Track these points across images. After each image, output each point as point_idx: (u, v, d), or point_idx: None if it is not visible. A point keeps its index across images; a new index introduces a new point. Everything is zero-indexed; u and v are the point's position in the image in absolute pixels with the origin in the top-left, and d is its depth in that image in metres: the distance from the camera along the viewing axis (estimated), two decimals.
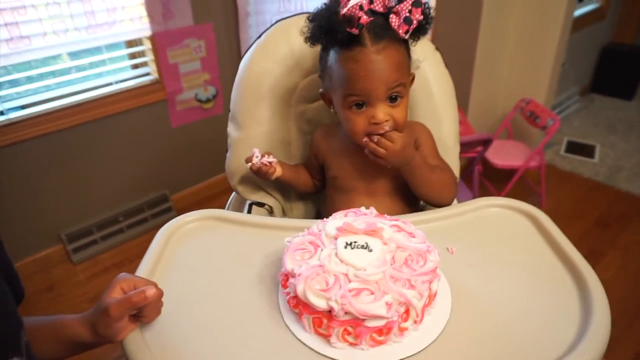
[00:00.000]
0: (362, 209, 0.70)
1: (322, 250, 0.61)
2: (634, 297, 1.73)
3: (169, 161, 2.22)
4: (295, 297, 0.59)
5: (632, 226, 2.15)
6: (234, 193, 1.11)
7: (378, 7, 0.72)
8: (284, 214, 1.01)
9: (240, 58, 2.28)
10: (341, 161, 0.89)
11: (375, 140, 0.75)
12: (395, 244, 0.61)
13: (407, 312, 0.57)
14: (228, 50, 2.22)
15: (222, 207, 2.51)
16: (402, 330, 0.57)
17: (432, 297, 0.61)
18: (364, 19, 0.70)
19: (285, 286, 0.63)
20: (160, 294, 0.58)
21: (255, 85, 0.93)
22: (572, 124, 3.02)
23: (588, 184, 2.47)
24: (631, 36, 3.54)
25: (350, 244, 0.60)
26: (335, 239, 0.62)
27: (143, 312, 0.58)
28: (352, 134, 0.80)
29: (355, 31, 0.71)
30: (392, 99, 0.76)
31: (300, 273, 0.58)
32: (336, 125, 0.91)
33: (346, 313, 0.55)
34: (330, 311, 0.56)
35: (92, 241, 2.01)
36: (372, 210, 0.70)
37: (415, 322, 0.59)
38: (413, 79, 0.83)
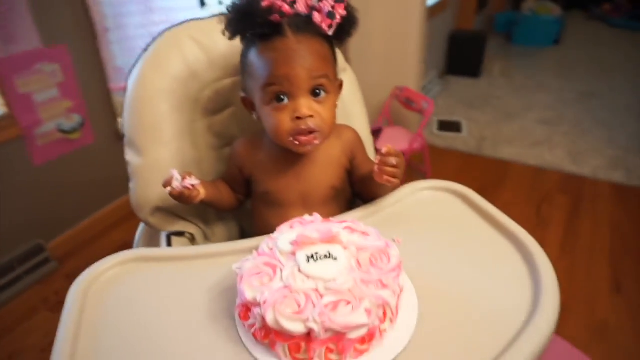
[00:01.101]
0: (306, 217, 0.66)
1: (281, 270, 0.56)
2: None
3: (38, 205, 1.92)
4: (263, 327, 0.53)
5: (505, 187, 2.42)
6: (141, 227, 0.99)
7: (301, 7, 0.69)
8: (207, 239, 0.92)
9: (105, 79, 2.07)
10: (271, 175, 0.83)
11: (394, 162, 0.70)
12: (355, 247, 0.58)
13: (384, 313, 0.55)
14: (90, 72, 1.99)
15: (113, 245, 2.26)
16: (381, 332, 0.55)
17: (401, 291, 0.59)
18: (286, 8, 0.67)
19: (246, 318, 0.56)
20: None
21: (150, 103, 0.83)
22: (438, 104, 3.31)
23: (463, 156, 2.73)
24: (470, 22, 4.00)
25: (312, 256, 0.55)
26: (293, 254, 0.57)
27: None
28: (275, 135, 0.75)
29: (276, 17, 0.67)
30: (316, 94, 0.73)
31: (266, 300, 0.52)
32: (259, 136, 0.85)
33: (327, 330, 0.50)
34: (308, 334, 0.51)
35: None
36: (317, 216, 0.66)
37: (391, 321, 0.56)
38: (341, 85, 0.81)
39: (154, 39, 0.86)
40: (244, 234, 0.99)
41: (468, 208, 0.79)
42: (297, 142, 0.74)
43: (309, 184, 0.82)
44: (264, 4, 0.67)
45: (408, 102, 2.38)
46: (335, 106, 0.77)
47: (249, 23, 0.69)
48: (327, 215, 0.84)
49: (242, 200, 0.91)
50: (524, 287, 0.63)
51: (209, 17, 0.90)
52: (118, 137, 2.14)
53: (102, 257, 2.14)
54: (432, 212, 0.79)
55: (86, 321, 0.61)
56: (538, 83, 3.78)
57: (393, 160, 0.70)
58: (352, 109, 0.95)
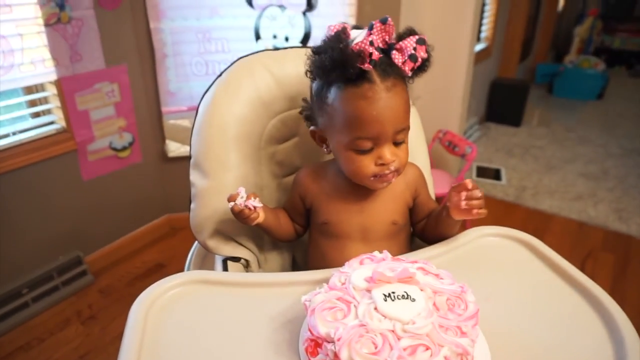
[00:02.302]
0: (376, 253, 0.65)
1: (356, 306, 0.54)
2: None
3: (81, 219, 1.97)
4: None
5: (546, 240, 2.33)
6: (193, 249, 0.99)
7: (378, 42, 0.69)
8: (259, 266, 0.91)
9: (158, 102, 2.15)
10: (333, 205, 0.82)
11: (479, 194, 0.70)
12: (430, 289, 0.56)
13: None
14: (145, 94, 2.07)
15: (145, 265, 2.27)
16: None
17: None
18: (376, 55, 0.66)
19: (314, 354, 0.54)
20: None
21: (220, 128, 0.85)
22: (477, 150, 3.28)
23: (502, 205, 2.68)
24: (512, 71, 4.01)
25: (389, 295, 0.54)
26: (368, 291, 0.55)
27: None
28: (356, 176, 0.76)
29: (368, 67, 0.67)
30: (397, 143, 0.74)
31: (340, 337, 0.50)
32: (323, 166, 0.85)
33: None
34: None
35: None
36: (387, 254, 0.65)
37: None
38: None
39: (229, 66, 0.89)
40: (295, 265, 0.98)
41: (535, 258, 0.76)
42: (378, 182, 0.76)
43: (370, 218, 0.82)
44: (354, 47, 0.66)
45: (450, 146, 2.37)
46: (408, 145, 0.78)
47: (339, 71, 0.67)
48: (387, 250, 0.83)
49: (300, 232, 0.90)
50: (604, 350, 0.59)
51: (281, 48, 0.93)
52: (164, 159, 2.19)
53: (133, 276, 2.14)
54: (497, 259, 0.77)
55: (148, 338, 0.60)
56: (580, 136, 3.71)
57: (479, 193, 0.71)
58: (416, 149, 0.94)
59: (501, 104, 3.79)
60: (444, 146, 2.41)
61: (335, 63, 0.67)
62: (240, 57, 0.90)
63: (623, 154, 3.38)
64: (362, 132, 0.71)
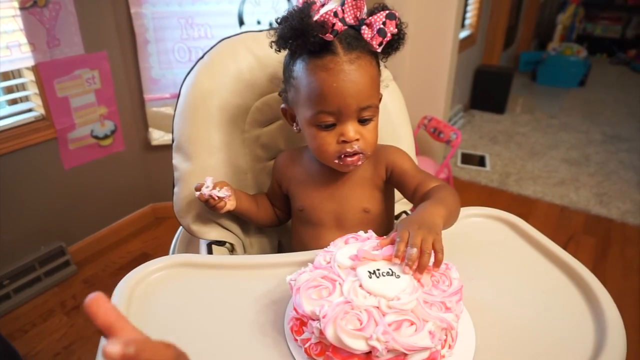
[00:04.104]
0: (361, 233, 0.65)
1: (341, 284, 0.54)
2: None
3: (63, 208, 1.93)
4: (320, 342, 0.52)
5: (530, 223, 2.37)
6: (177, 235, 0.98)
7: (349, 18, 0.67)
8: (245, 250, 0.91)
9: (140, 89, 2.11)
10: (307, 191, 0.81)
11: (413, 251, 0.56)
12: None
13: (445, 337, 0.53)
14: (127, 80, 2.03)
15: (130, 255, 2.24)
16: (441, 357, 0.53)
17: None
18: (339, 25, 0.65)
19: (299, 332, 0.54)
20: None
21: (203, 110, 0.84)
22: (463, 138, 3.30)
23: (486, 190, 2.70)
24: (496, 59, 4.03)
25: (374, 272, 0.54)
26: (353, 269, 0.55)
27: None
28: (320, 155, 0.74)
29: (329, 37, 0.65)
30: (362, 120, 0.72)
31: (326, 314, 0.50)
32: (300, 150, 0.84)
33: (389, 351, 0.48)
34: (368, 352, 0.49)
35: None
36: (371, 233, 0.65)
37: (450, 347, 0.54)
38: (380, 98, 0.80)
39: (211, 48, 0.87)
40: (281, 250, 0.98)
41: (518, 237, 0.77)
42: (342, 163, 0.74)
43: (341, 205, 0.80)
44: (317, 18, 0.65)
45: (436, 132, 2.38)
46: (377, 126, 0.75)
47: (301, 40, 0.66)
48: None
49: (282, 217, 0.89)
50: (586, 326, 0.60)
51: (264, 30, 0.91)
52: (147, 147, 2.16)
53: (118, 266, 2.12)
54: (481, 239, 0.77)
55: (131, 321, 0.59)
56: (563, 123, 3.75)
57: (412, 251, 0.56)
58: (400, 130, 0.94)
59: (485, 91, 3.81)
60: (428, 132, 2.42)
61: (296, 32, 0.65)
62: (223, 39, 0.89)
63: (604, 140, 3.43)
64: (324, 106, 0.69)
